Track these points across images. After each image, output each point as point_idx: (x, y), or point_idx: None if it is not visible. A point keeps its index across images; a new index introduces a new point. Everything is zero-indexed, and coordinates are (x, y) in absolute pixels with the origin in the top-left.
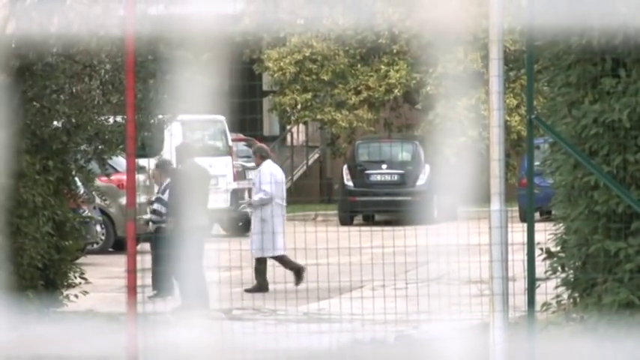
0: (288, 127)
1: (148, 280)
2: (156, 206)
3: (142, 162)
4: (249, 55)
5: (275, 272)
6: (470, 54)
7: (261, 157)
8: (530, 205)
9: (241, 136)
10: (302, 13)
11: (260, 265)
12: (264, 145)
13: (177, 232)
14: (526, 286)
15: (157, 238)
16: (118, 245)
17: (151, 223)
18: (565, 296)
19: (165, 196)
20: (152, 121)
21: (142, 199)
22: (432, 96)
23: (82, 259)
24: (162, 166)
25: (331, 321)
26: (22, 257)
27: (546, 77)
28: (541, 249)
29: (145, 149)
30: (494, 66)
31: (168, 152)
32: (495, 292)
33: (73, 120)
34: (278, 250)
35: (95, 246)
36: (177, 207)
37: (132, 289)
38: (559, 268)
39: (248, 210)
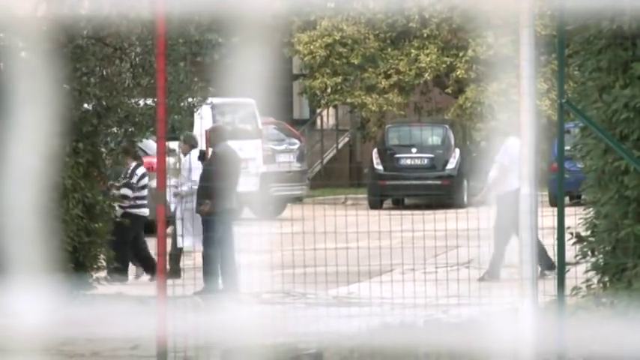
0: (318, 110)
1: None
2: (124, 191)
3: (172, 145)
4: (279, 38)
5: (305, 255)
6: (500, 38)
7: (190, 145)
8: (561, 190)
9: (271, 119)
10: None
11: (176, 251)
12: (193, 134)
13: (212, 214)
14: (556, 270)
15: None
16: (147, 228)
17: (118, 208)
18: (595, 281)
19: (135, 180)
20: (182, 104)
21: (172, 182)
22: (462, 80)
23: None
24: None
25: (361, 305)
26: (53, 240)
27: (577, 62)
28: (571, 233)
29: (175, 132)
30: (524, 50)
31: (197, 135)
32: (525, 277)
33: (104, 103)
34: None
35: None
36: (211, 190)
37: (161, 271)
38: (589, 253)
39: (174, 199)
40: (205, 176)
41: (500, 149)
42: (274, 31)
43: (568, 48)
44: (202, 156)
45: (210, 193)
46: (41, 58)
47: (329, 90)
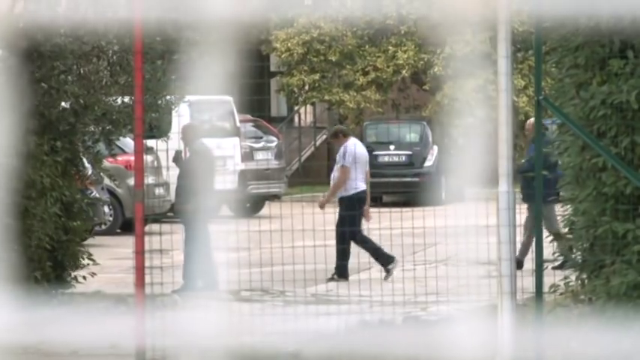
0: (296, 108)
1: (156, 262)
2: None
3: (150, 143)
4: (256, 36)
5: (283, 253)
6: (477, 35)
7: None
8: (539, 187)
9: (249, 117)
10: None
11: None
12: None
13: (199, 213)
14: (534, 267)
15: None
16: (125, 226)
17: None
18: (573, 278)
19: None
20: (160, 102)
21: (149, 180)
22: (439, 77)
23: (90, 241)
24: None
25: (339, 303)
26: (30, 238)
27: (554, 59)
28: (549, 230)
29: (153, 130)
30: (502, 47)
31: (175, 133)
32: (503, 274)
33: (81, 101)
34: None
35: (103, 227)
36: (191, 188)
37: (140, 270)
38: (567, 250)
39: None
40: (184, 175)
41: (341, 150)
42: (251, 28)
43: (545, 45)
44: (177, 156)
45: (192, 191)
46: (18, 56)
47: (307, 87)
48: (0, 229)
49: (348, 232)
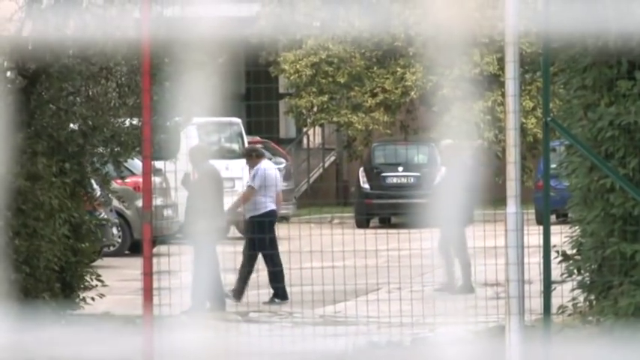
0: (305, 129)
1: (164, 283)
2: None
3: (158, 164)
4: (265, 58)
5: (292, 275)
6: (486, 56)
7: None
8: (547, 208)
9: (258, 138)
10: (318, 15)
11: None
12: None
13: (209, 234)
14: (542, 289)
15: None
16: (134, 248)
17: None
18: (581, 299)
19: None
20: (168, 123)
21: (158, 201)
22: (448, 98)
23: (98, 262)
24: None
25: (347, 324)
26: (39, 260)
27: (562, 80)
28: (557, 252)
29: (161, 152)
30: (510, 68)
31: (183, 155)
32: (511, 295)
33: (90, 122)
34: None
35: (111, 248)
36: (203, 209)
37: (148, 291)
38: (575, 271)
39: None
40: (193, 196)
41: (251, 172)
42: (259, 50)
43: (553, 66)
44: (186, 179)
45: (203, 213)
46: (26, 77)
47: (315, 109)
48: (8, 250)
49: (263, 252)
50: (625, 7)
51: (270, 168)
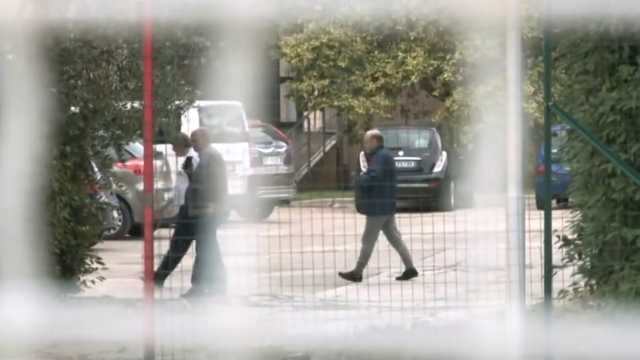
0: (305, 113)
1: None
2: None
3: (159, 148)
4: (266, 41)
5: (292, 258)
6: (487, 41)
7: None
8: (548, 193)
9: (258, 122)
10: None
11: None
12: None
13: (207, 217)
14: (543, 273)
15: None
16: (134, 231)
17: None
18: (582, 284)
19: None
20: (169, 107)
21: (158, 184)
22: (449, 83)
23: (98, 245)
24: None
25: (348, 308)
26: (39, 243)
27: (564, 65)
28: (558, 236)
29: (162, 135)
30: (511, 53)
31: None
32: (512, 280)
33: (91, 105)
34: None
35: (112, 232)
36: (209, 192)
37: (149, 274)
38: (576, 256)
39: None
40: (198, 179)
41: (185, 160)
42: (261, 33)
43: (555, 51)
44: (188, 162)
45: (209, 196)
46: (28, 61)
47: (316, 93)
48: (13, 234)
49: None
50: None
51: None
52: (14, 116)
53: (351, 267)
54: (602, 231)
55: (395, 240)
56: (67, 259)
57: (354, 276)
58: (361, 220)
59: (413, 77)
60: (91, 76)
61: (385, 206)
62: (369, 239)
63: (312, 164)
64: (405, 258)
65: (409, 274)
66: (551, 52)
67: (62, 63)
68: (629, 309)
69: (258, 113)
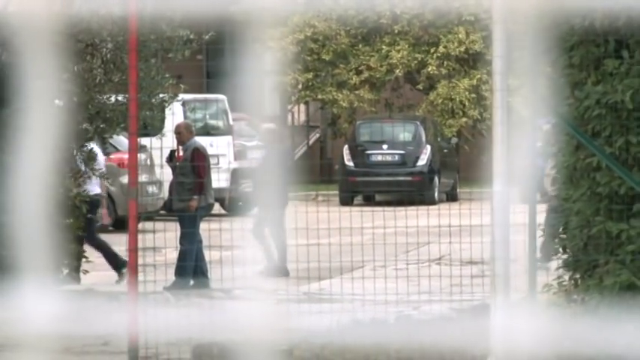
0: (289, 106)
1: (149, 259)
2: None
3: (143, 141)
4: (250, 34)
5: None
6: (471, 34)
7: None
8: (532, 186)
9: (242, 115)
10: None
11: None
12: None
13: (192, 210)
14: (527, 267)
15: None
16: (118, 224)
17: None
18: (566, 277)
19: None
20: (153, 100)
21: (142, 178)
22: (433, 76)
23: None
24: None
25: (332, 301)
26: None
27: (549, 58)
28: (542, 230)
29: (147, 128)
30: (497, 46)
31: (170, 131)
32: (497, 273)
33: (75, 99)
34: None
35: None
36: (195, 185)
37: (133, 267)
38: (560, 250)
39: None
40: (183, 172)
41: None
42: (245, 27)
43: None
44: (172, 155)
45: (194, 189)
46: (11, 53)
47: (300, 86)
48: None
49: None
50: None
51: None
52: None
53: (334, 260)
54: (587, 225)
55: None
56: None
57: (283, 271)
58: (344, 213)
59: (397, 71)
60: (75, 69)
61: (283, 198)
62: (278, 231)
63: (295, 158)
64: (271, 255)
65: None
66: (537, 46)
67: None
68: (613, 303)
69: (242, 106)
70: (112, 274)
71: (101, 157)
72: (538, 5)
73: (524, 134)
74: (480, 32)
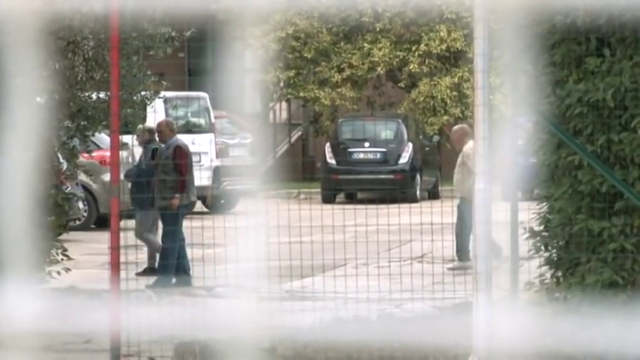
0: (271, 104)
1: (131, 257)
2: None
3: (125, 139)
4: (231, 32)
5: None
6: (453, 32)
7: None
8: (514, 184)
9: (224, 113)
10: None
11: None
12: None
13: (174, 208)
14: (509, 265)
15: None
16: (100, 222)
17: None
18: (548, 275)
19: None
20: (135, 97)
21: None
22: (415, 74)
23: (64, 236)
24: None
25: (314, 299)
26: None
27: (530, 56)
28: (524, 228)
29: (128, 126)
30: (478, 45)
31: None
32: (479, 271)
33: (56, 96)
34: None
35: (77, 222)
36: (177, 183)
37: (115, 265)
38: (542, 248)
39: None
40: (164, 170)
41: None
42: (226, 24)
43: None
44: (153, 152)
45: (176, 187)
46: None
47: (282, 84)
48: None
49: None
50: None
51: None
52: None
53: (317, 258)
54: (569, 223)
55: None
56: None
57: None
58: (326, 211)
59: (379, 68)
60: (57, 66)
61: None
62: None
63: (277, 155)
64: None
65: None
66: (518, 44)
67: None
68: (595, 301)
69: (224, 104)
70: (95, 272)
71: None
72: (520, 3)
73: (505, 132)
74: (461, 30)
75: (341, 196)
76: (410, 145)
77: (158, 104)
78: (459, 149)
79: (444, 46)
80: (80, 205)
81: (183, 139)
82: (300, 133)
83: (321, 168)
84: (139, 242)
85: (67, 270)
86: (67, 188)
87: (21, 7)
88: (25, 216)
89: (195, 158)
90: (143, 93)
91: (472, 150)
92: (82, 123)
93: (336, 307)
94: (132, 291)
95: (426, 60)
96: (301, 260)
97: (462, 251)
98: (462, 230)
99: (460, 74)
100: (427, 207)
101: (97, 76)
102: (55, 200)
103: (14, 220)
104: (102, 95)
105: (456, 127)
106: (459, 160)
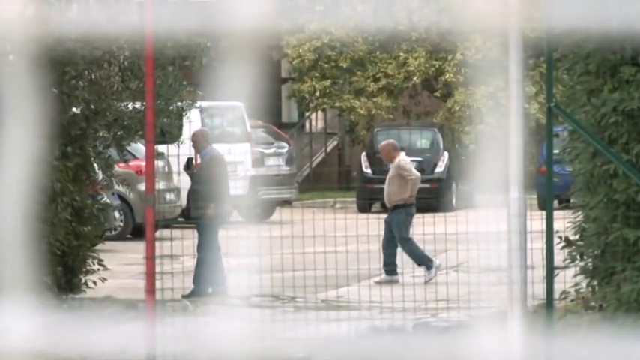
0: (307, 114)
1: (167, 267)
2: None
3: (161, 148)
4: (268, 42)
5: (294, 259)
6: (488, 41)
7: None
8: (550, 193)
9: (260, 122)
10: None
11: None
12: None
13: (209, 218)
14: (544, 274)
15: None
16: (136, 232)
17: None
18: (584, 285)
19: None
20: (171, 107)
21: (160, 185)
22: (450, 83)
23: (100, 246)
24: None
25: (349, 308)
26: (41, 244)
27: (565, 65)
28: (560, 237)
29: (164, 136)
30: (513, 54)
31: (188, 139)
32: (514, 281)
33: (92, 106)
34: None
35: (113, 232)
36: (211, 193)
37: (150, 275)
38: (578, 257)
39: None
40: (199, 180)
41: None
42: (263, 34)
43: (556, 52)
44: (189, 163)
45: (211, 197)
46: (29, 61)
47: (317, 93)
48: (14, 234)
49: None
50: None
51: None
52: (16, 117)
53: (352, 267)
54: (604, 232)
55: None
56: (68, 259)
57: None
58: (362, 220)
59: (414, 78)
60: (93, 76)
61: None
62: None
63: (313, 165)
64: None
65: None
66: (553, 53)
67: (64, 64)
68: (630, 310)
69: (260, 114)
70: (131, 282)
71: None
72: (550, 13)
73: (540, 141)
74: (496, 39)
75: (377, 206)
76: (446, 154)
77: (194, 114)
78: (389, 162)
79: (479, 55)
80: (116, 215)
81: (219, 148)
82: (336, 142)
83: (357, 177)
84: (175, 252)
85: (103, 280)
86: (102, 198)
87: (16, 16)
88: (22, 225)
89: (230, 168)
90: (179, 103)
91: (405, 162)
92: (118, 133)
93: (372, 317)
94: (167, 301)
95: (462, 69)
96: (337, 269)
97: (389, 265)
98: (389, 243)
99: (495, 83)
100: (463, 216)
101: (132, 86)
102: (91, 210)
103: (11, 228)
104: (138, 105)
105: (384, 143)
106: (390, 173)
